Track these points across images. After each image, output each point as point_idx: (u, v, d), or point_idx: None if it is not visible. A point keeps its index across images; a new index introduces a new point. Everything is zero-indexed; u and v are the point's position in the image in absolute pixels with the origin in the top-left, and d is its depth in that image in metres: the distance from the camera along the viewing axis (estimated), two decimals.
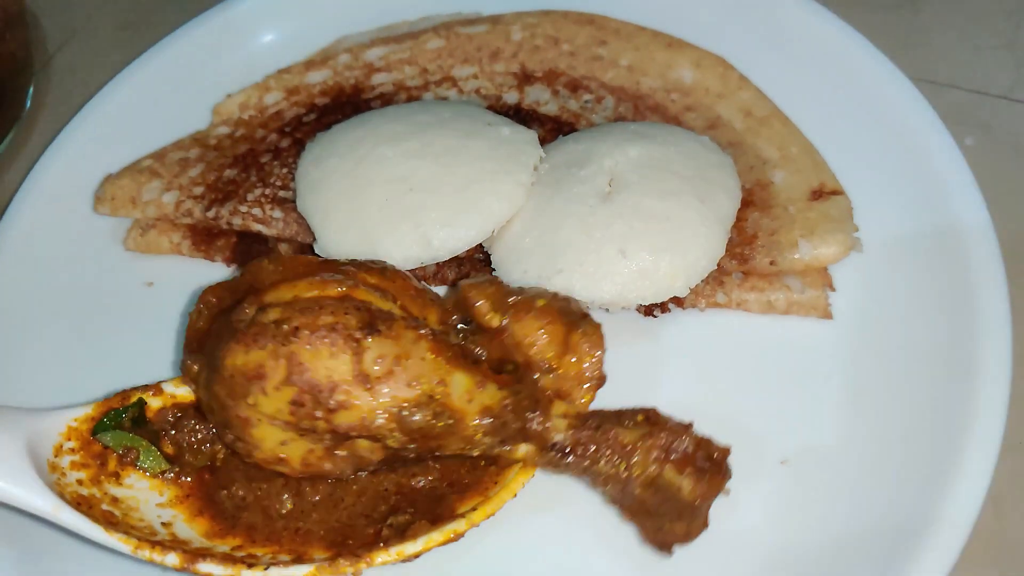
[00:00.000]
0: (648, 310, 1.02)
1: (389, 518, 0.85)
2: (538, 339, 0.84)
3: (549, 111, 1.16)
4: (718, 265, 0.98)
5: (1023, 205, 1.06)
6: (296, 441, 0.82)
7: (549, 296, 0.89)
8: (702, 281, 0.98)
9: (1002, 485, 0.87)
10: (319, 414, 0.80)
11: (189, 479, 0.90)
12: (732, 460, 0.89)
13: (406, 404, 0.80)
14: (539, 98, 1.17)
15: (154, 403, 0.92)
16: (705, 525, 0.83)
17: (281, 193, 1.11)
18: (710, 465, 0.82)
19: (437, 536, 0.83)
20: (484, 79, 1.20)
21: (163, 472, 0.90)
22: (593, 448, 0.83)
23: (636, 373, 0.96)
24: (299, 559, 0.84)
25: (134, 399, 0.91)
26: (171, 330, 1.09)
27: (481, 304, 0.86)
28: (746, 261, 1.01)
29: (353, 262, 0.91)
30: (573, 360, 0.86)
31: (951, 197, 1.00)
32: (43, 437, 0.87)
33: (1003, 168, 1.09)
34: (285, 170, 1.14)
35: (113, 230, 1.16)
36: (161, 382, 0.93)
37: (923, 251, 0.99)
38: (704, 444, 0.83)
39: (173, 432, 0.90)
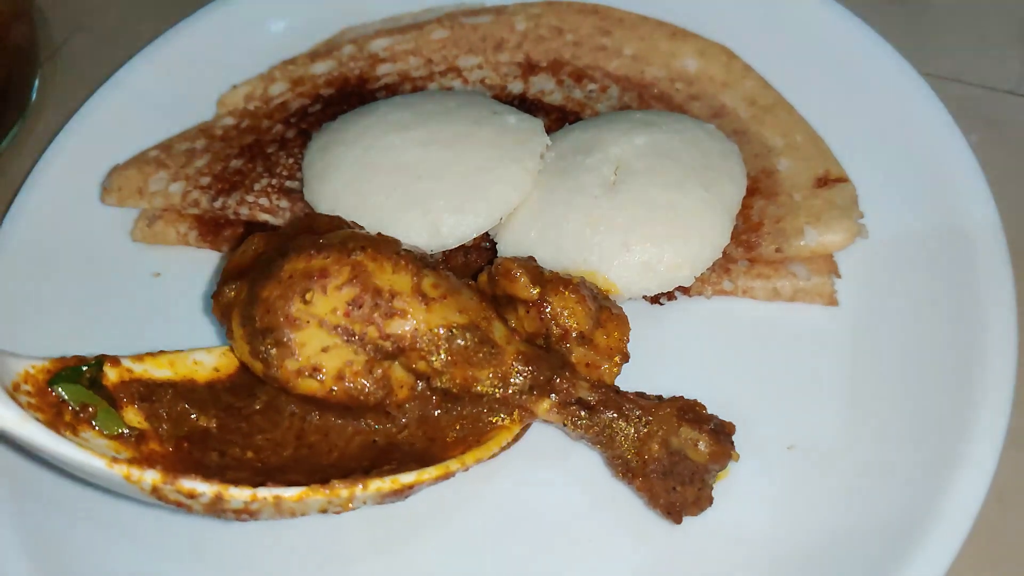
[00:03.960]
0: (654, 298, 1.02)
1: (374, 471, 0.86)
2: (575, 312, 0.88)
3: (554, 101, 1.16)
4: (724, 253, 0.99)
5: None
6: (339, 349, 0.85)
7: (578, 278, 0.93)
8: (708, 269, 0.98)
9: (1006, 481, 0.87)
10: (376, 317, 0.84)
11: (170, 448, 0.88)
12: (740, 445, 0.91)
13: (455, 326, 0.85)
14: (544, 88, 1.18)
15: (110, 374, 0.90)
16: (710, 501, 0.87)
17: (288, 183, 1.12)
18: (721, 432, 0.87)
19: (432, 471, 0.84)
20: (489, 69, 1.21)
21: (120, 433, 0.87)
22: (615, 406, 0.87)
23: (643, 361, 0.96)
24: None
25: (93, 361, 0.90)
26: (178, 320, 1.09)
27: (521, 276, 0.89)
28: (752, 248, 1.01)
29: None
30: (604, 336, 0.90)
31: (958, 188, 1.01)
32: (1, 370, 0.84)
33: (1009, 163, 1.09)
34: (291, 160, 1.14)
35: (120, 221, 1.16)
36: (119, 356, 0.92)
37: (929, 241, 1.00)
38: (714, 417, 0.88)
39: (148, 403, 0.89)
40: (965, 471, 0.85)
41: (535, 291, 0.89)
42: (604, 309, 0.92)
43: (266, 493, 0.80)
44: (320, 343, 0.85)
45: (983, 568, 0.87)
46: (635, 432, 0.87)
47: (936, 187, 1.02)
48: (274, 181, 1.12)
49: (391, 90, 1.20)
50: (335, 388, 0.86)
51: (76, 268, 1.13)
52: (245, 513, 0.82)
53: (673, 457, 0.86)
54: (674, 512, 0.87)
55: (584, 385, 0.88)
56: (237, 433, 0.90)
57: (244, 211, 1.10)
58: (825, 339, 0.98)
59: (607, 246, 0.96)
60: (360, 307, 0.84)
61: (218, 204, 1.11)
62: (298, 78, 1.23)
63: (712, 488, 0.87)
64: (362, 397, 0.86)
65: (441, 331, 0.85)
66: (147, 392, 0.90)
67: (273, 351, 0.85)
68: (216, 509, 0.81)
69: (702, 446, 0.85)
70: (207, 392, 0.92)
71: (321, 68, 1.23)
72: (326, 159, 1.06)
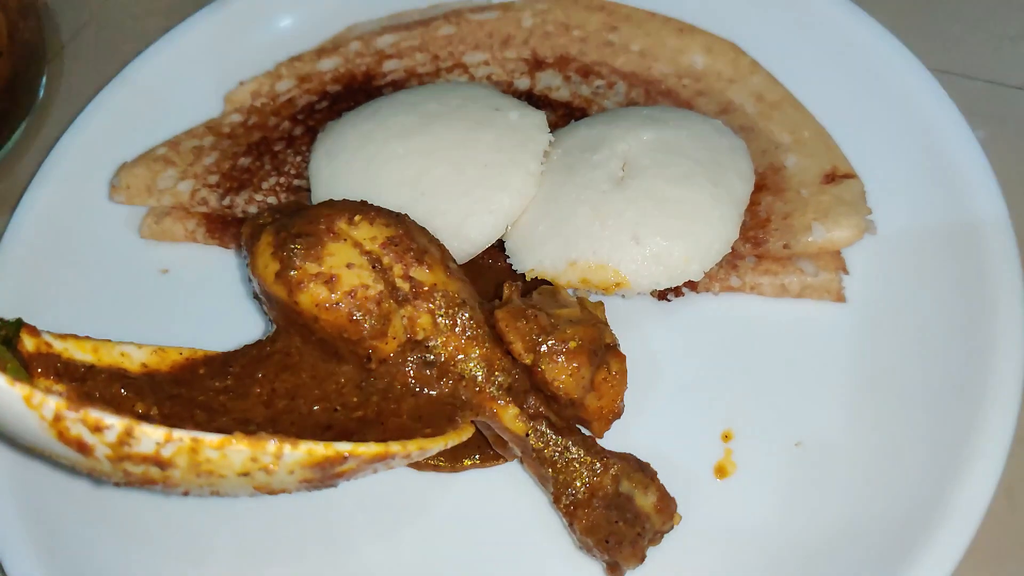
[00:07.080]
0: (662, 294, 1.02)
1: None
2: (566, 384, 0.88)
3: (561, 97, 1.16)
4: (732, 249, 0.98)
5: None
6: (361, 270, 0.88)
7: (580, 330, 0.90)
8: (716, 265, 0.98)
9: (1015, 477, 0.88)
10: (407, 258, 0.89)
11: None
12: (747, 442, 0.93)
13: (466, 300, 0.90)
14: (551, 84, 1.18)
15: (28, 343, 0.86)
16: (642, 559, 0.86)
17: (296, 182, 1.12)
18: (667, 495, 0.88)
19: (371, 446, 0.80)
20: (495, 65, 1.20)
21: None
22: (578, 433, 0.89)
23: (650, 357, 0.97)
24: None
25: (11, 322, 0.86)
26: (186, 316, 1.10)
27: (515, 344, 0.89)
28: (760, 245, 1.01)
29: None
30: (596, 399, 0.90)
31: (966, 184, 1.00)
32: None
33: (1017, 159, 1.09)
34: (299, 158, 1.14)
35: (128, 218, 1.16)
36: (40, 329, 0.88)
37: (937, 237, 0.99)
38: (663, 486, 0.88)
39: (80, 383, 0.87)
40: (974, 467, 0.85)
41: (528, 359, 0.89)
42: (602, 368, 0.90)
43: (182, 434, 0.73)
44: (347, 259, 0.88)
45: (992, 564, 0.87)
46: (591, 462, 0.87)
47: (944, 183, 1.01)
48: (282, 180, 1.12)
49: (397, 86, 1.20)
50: (341, 304, 0.87)
51: (84, 265, 1.14)
52: (155, 463, 0.74)
53: (620, 497, 0.87)
54: (611, 548, 0.85)
55: (554, 414, 0.89)
56: (189, 422, 0.84)
57: (252, 209, 1.11)
58: (833, 335, 0.98)
59: (617, 240, 0.96)
60: (396, 245, 0.89)
61: (227, 203, 1.11)
62: (305, 75, 1.23)
63: (646, 549, 0.86)
64: (360, 319, 0.87)
65: (456, 296, 0.90)
66: (67, 369, 0.86)
67: (300, 250, 0.88)
68: (122, 455, 0.74)
69: (651, 494, 0.86)
70: (147, 381, 0.88)
71: (328, 65, 1.24)
72: (331, 167, 1.05)
